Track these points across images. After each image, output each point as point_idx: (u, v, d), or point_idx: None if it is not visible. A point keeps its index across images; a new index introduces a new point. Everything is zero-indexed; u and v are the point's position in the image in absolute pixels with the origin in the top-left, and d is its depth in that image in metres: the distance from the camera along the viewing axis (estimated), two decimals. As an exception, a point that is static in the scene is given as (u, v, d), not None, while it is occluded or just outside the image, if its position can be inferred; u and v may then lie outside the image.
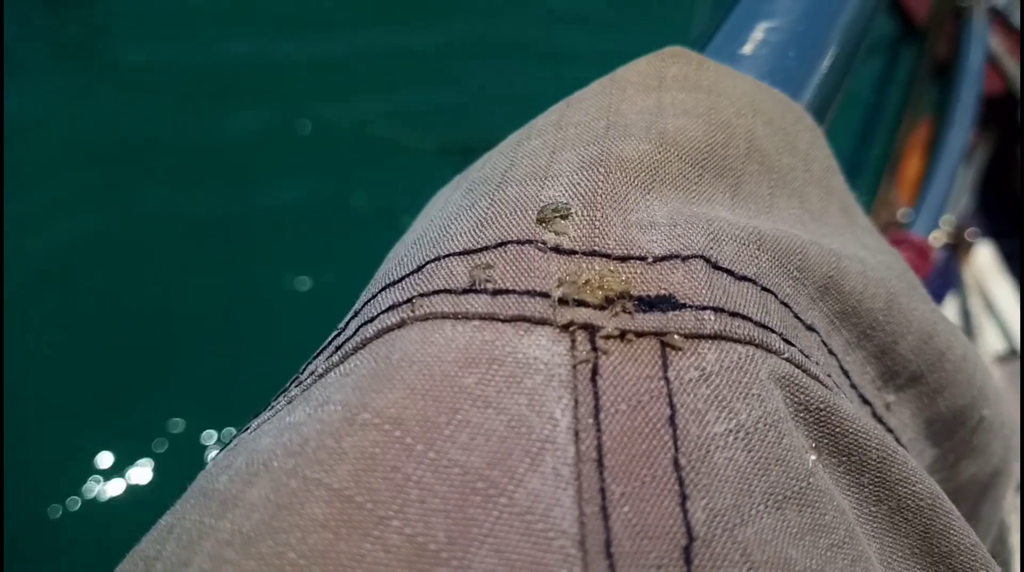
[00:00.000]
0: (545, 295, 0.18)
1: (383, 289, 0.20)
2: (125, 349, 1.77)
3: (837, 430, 0.20)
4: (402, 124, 2.23)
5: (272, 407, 0.20)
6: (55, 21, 2.70)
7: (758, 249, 0.21)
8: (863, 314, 0.24)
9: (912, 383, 0.26)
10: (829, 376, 0.22)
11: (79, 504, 1.55)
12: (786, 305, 0.21)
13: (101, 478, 1.59)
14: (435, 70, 2.42)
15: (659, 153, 0.22)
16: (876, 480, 0.20)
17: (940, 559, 0.21)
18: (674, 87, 0.25)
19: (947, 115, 0.91)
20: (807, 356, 0.21)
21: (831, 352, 0.23)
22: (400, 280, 0.20)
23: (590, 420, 0.16)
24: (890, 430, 0.25)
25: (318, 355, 0.21)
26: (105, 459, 1.61)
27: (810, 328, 0.22)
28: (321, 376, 0.19)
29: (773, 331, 0.19)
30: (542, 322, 0.18)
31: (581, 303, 0.18)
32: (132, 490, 1.56)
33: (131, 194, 2.09)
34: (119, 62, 2.52)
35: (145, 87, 2.38)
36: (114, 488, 1.57)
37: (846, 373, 0.24)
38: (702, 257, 0.19)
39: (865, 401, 0.24)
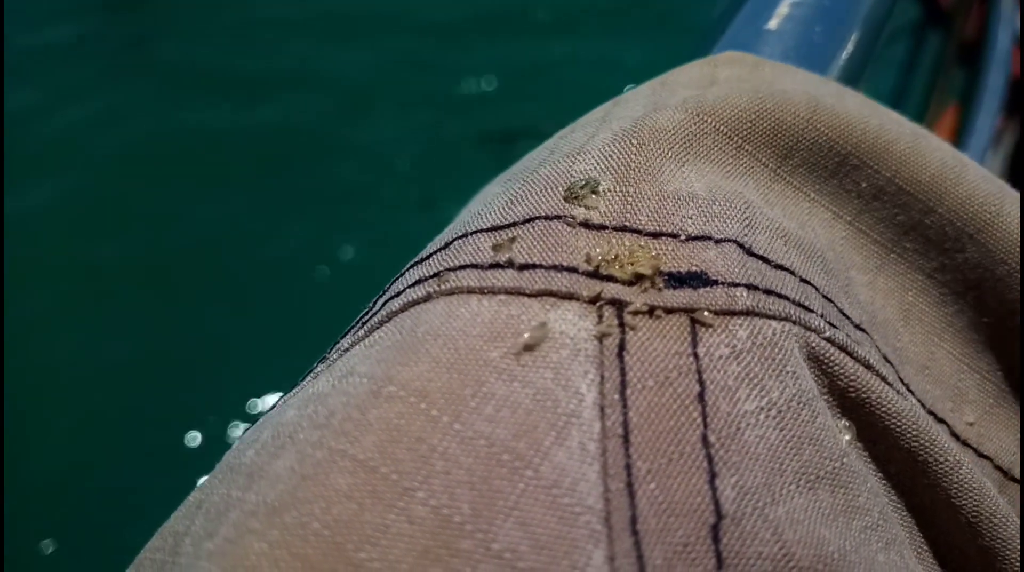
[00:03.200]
0: (572, 270, 0.18)
1: (411, 266, 0.20)
2: (141, 328, 1.79)
3: (875, 414, 0.19)
4: (442, 110, 2.24)
5: (301, 387, 0.20)
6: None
7: (784, 243, 0.20)
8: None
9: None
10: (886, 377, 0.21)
11: (113, 478, 1.55)
12: (830, 300, 0.20)
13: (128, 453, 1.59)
14: (478, 58, 2.42)
15: (695, 124, 0.21)
16: (908, 471, 0.20)
17: (981, 552, 0.20)
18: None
19: (974, 101, 0.89)
20: (857, 342, 0.20)
21: (886, 360, 0.22)
22: (428, 257, 0.20)
23: (616, 396, 0.16)
24: (970, 447, 0.23)
25: (345, 335, 0.21)
26: (124, 438, 1.62)
27: (859, 328, 0.21)
28: (347, 350, 0.19)
29: (812, 311, 0.19)
30: (569, 297, 0.17)
31: (609, 278, 0.18)
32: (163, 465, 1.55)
33: (169, 195, 2.10)
34: (171, 64, 2.55)
35: (192, 86, 2.40)
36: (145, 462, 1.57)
37: (907, 386, 0.22)
38: (735, 242, 0.19)
39: (939, 420, 0.23)
